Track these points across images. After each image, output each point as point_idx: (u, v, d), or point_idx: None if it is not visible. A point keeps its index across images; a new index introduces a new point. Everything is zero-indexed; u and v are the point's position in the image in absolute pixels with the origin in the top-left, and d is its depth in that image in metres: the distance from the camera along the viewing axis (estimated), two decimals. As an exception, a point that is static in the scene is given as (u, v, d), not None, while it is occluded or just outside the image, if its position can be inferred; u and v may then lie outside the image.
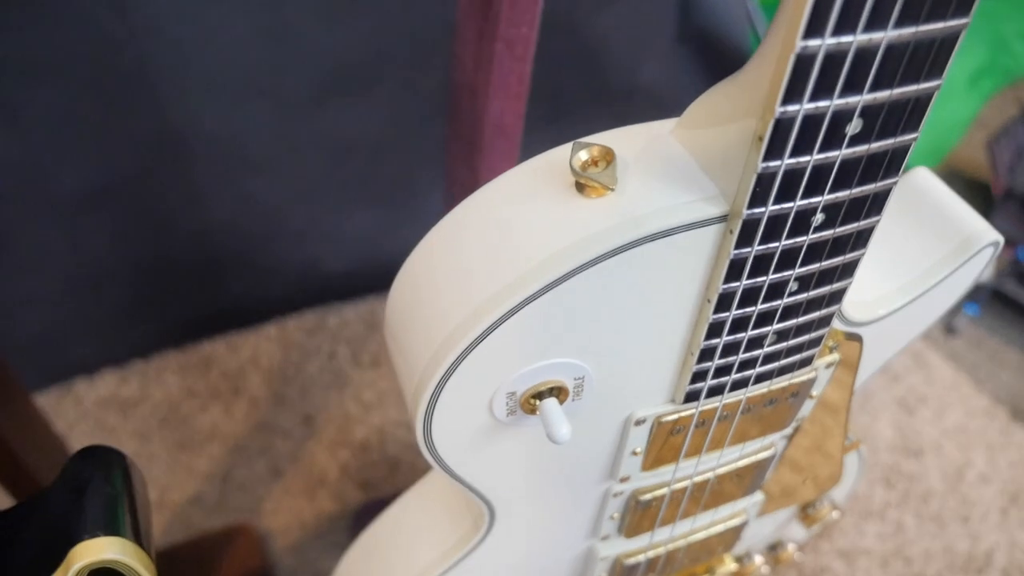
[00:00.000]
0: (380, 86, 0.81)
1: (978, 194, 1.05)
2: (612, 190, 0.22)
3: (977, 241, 0.32)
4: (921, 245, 0.32)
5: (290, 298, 0.94)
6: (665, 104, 1.07)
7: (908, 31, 0.20)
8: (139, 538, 0.26)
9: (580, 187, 0.22)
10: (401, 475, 0.82)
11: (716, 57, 1.07)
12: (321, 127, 0.81)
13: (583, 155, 0.22)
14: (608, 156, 0.22)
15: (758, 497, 0.40)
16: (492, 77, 0.41)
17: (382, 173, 0.88)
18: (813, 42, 0.19)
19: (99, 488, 0.26)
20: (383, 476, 0.82)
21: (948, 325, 0.97)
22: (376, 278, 0.95)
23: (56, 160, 0.73)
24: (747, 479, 0.36)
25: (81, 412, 0.86)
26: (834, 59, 0.20)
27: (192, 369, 0.91)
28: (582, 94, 0.92)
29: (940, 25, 0.20)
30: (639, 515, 0.34)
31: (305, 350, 0.93)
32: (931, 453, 0.83)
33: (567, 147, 0.23)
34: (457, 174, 0.48)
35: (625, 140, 0.24)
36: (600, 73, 0.93)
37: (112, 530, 0.25)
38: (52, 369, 0.87)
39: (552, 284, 0.22)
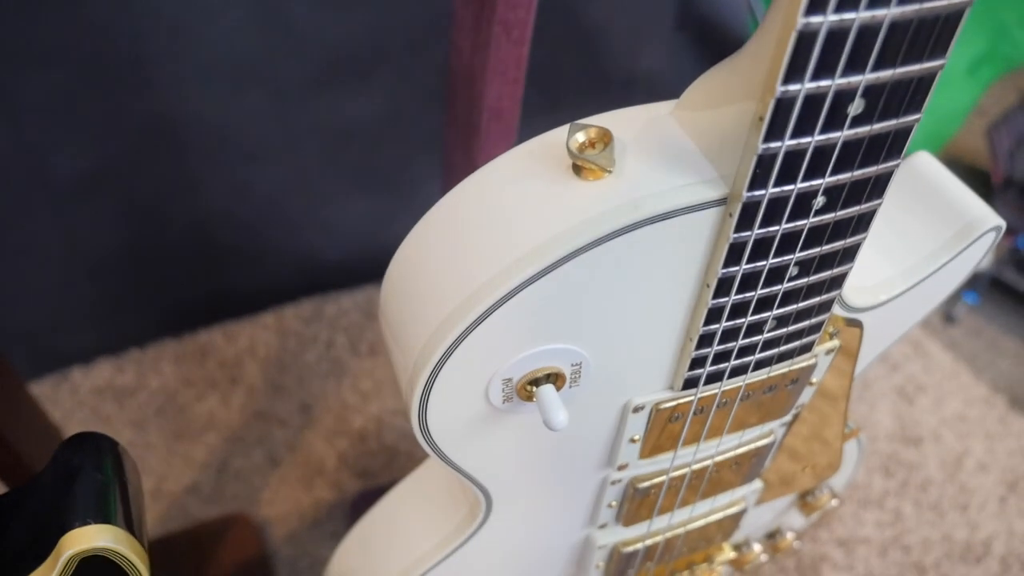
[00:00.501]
0: (378, 74, 0.80)
1: (978, 182, 1.04)
2: (610, 172, 0.22)
3: (979, 226, 0.31)
4: (923, 230, 0.32)
5: (288, 287, 0.94)
6: (663, 92, 1.06)
7: (911, 8, 0.19)
8: (131, 526, 0.26)
9: (577, 169, 0.22)
10: (399, 464, 0.82)
11: (715, 45, 1.07)
12: (318, 115, 0.80)
13: (580, 136, 0.21)
14: (606, 138, 0.22)
15: (757, 485, 0.39)
16: (489, 61, 0.40)
17: (380, 161, 0.88)
18: (815, 19, 0.19)
19: (90, 475, 0.26)
20: (381, 465, 0.82)
21: (947, 314, 0.97)
22: (374, 266, 0.95)
23: (51, 147, 0.72)
24: (746, 467, 0.36)
25: (77, 401, 0.86)
26: (836, 36, 0.19)
27: (189, 358, 0.90)
28: (580, 82, 0.92)
29: (944, 1, 0.20)
30: (637, 503, 0.34)
31: (303, 339, 0.93)
32: (930, 442, 0.83)
33: (564, 129, 0.23)
34: (455, 160, 0.47)
35: (623, 122, 0.23)
36: (598, 61, 0.93)
37: (103, 518, 0.25)
38: (48, 358, 0.87)
39: (548, 268, 0.21)
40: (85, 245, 0.80)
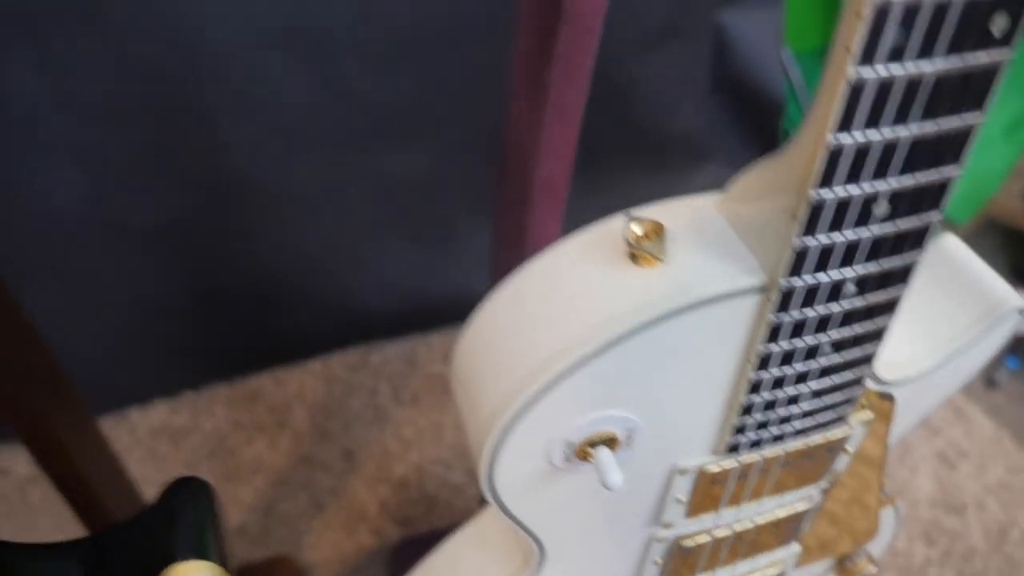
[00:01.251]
0: (426, 133, 0.85)
1: (1016, 244, 1.05)
2: (662, 261, 0.25)
3: (1002, 307, 0.33)
4: (949, 309, 0.34)
5: (334, 335, 0.98)
6: (699, 152, 1.09)
7: (929, 126, 0.22)
8: (224, 562, 0.29)
9: (633, 257, 0.25)
10: (438, 513, 0.84)
11: (750, 107, 1.10)
12: (369, 170, 0.85)
13: (636, 229, 0.25)
14: (658, 230, 0.25)
15: (795, 548, 0.41)
16: (542, 140, 0.44)
17: (424, 217, 0.92)
18: (843, 136, 0.22)
19: (190, 514, 0.29)
20: (421, 513, 0.84)
21: (989, 378, 0.96)
22: (417, 317, 0.98)
23: (123, 198, 0.78)
24: (784, 530, 0.38)
25: (134, 440, 0.89)
26: (863, 152, 0.22)
27: (240, 402, 0.94)
28: (617, 142, 0.95)
29: (957, 120, 0.23)
30: (681, 561, 0.36)
31: (348, 386, 0.96)
32: (973, 510, 0.82)
33: (620, 219, 0.26)
34: (505, 226, 0.51)
35: (672, 213, 0.26)
36: (635, 121, 0.96)
37: (202, 554, 0.28)
38: (108, 397, 0.91)
39: (609, 344, 0.24)
40: (148, 291, 0.85)
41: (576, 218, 0.49)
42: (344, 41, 0.75)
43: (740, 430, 0.30)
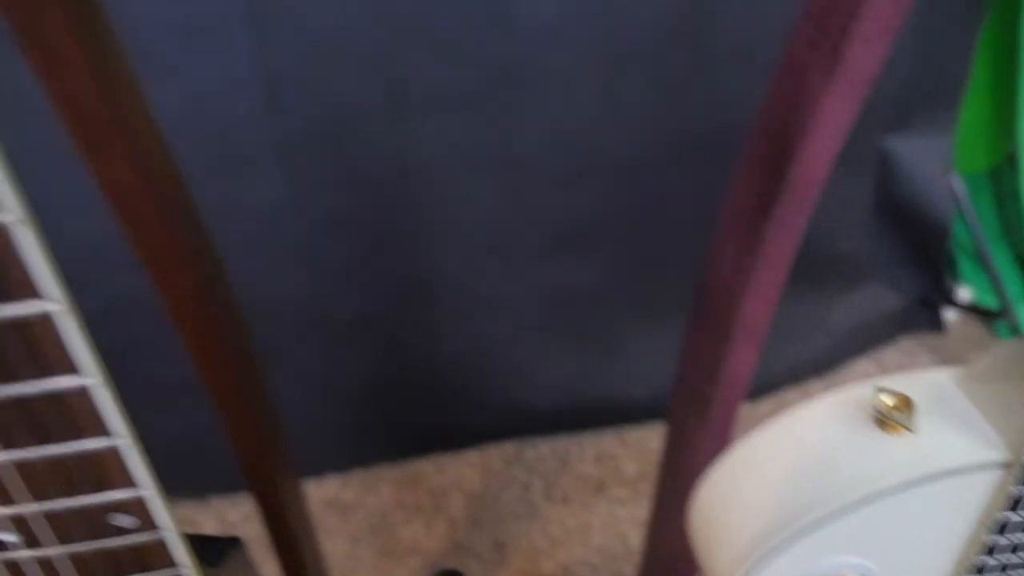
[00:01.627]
0: (595, 247, 0.91)
1: None
2: (911, 431, 0.28)
3: None
4: None
5: (492, 428, 1.04)
6: (860, 273, 1.09)
7: None
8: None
9: (881, 424, 0.29)
10: (586, 617, 0.85)
11: (913, 229, 1.09)
12: (541, 279, 0.92)
13: (887, 400, 0.28)
14: (907, 403, 0.28)
15: None
16: (750, 286, 0.48)
17: (587, 323, 0.98)
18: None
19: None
20: (568, 615, 0.85)
21: None
22: (571, 417, 1.03)
23: (330, 295, 0.89)
24: None
25: (311, 510, 0.97)
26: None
27: (403, 483, 1.01)
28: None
29: None
30: None
31: (502, 478, 1.00)
32: None
33: (867, 387, 0.30)
34: (698, 356, 0.55)
35: (913, 385, 0.30)
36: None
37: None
38: (287, 467, 1.01)
39: (858, 503, 0.28)
40: (335, 376, 0.95)
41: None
42: (535, 166, 0.84)
43: (969, 589, 0.31)
